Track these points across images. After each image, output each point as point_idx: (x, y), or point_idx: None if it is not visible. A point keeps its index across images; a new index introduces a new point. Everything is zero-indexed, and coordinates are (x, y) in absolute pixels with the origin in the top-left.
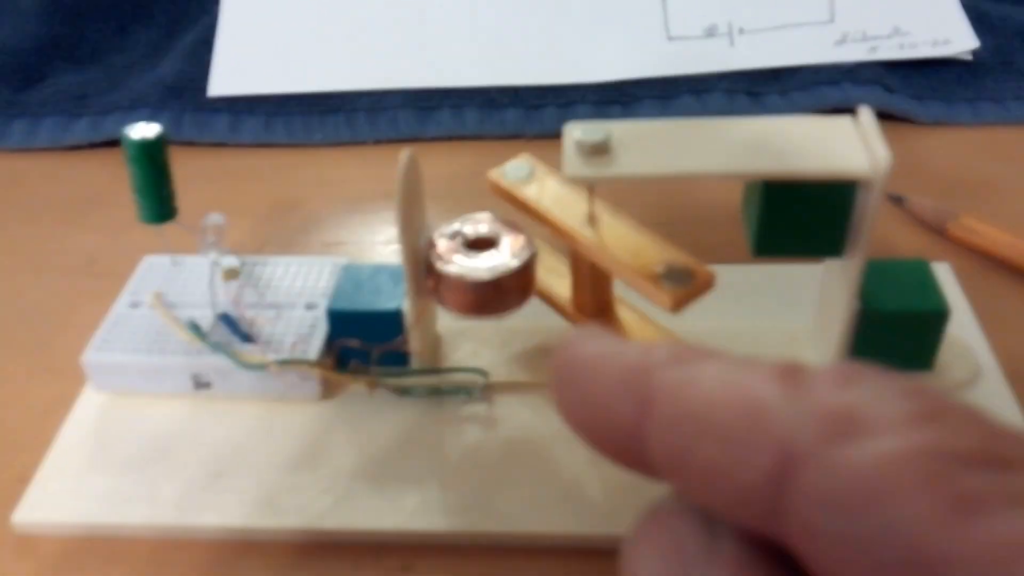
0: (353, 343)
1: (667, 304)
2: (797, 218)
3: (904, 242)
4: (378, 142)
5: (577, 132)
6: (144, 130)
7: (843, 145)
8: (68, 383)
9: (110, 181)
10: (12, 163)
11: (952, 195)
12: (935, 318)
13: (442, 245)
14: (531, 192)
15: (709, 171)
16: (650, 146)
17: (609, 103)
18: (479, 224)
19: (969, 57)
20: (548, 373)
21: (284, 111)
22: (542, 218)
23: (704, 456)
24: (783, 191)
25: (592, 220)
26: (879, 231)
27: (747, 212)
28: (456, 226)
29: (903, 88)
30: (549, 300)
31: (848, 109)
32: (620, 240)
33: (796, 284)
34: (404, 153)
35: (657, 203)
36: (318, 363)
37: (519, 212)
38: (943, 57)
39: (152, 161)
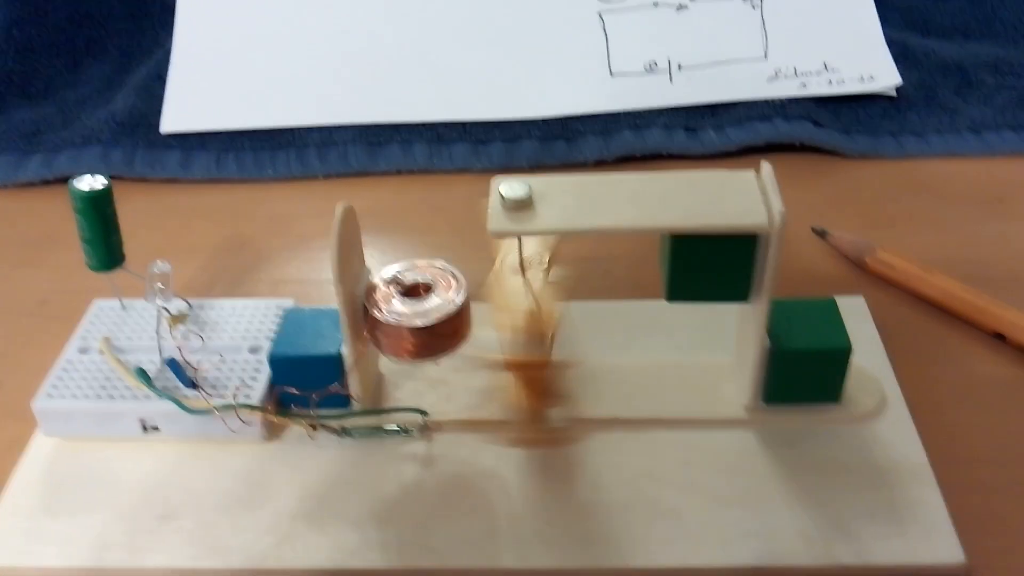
0: (292, 390)
1: None
2: (704, 268)
3: (827, 274)
4: (328, 176)
5: (502, 188)
6: (91, 182)
7: (744, 200)
8: (20, 426)
9: (62, 220)
10: None
11: (875, 226)
12: (839, 355)
13: (379, 292)
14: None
15: (621, 226)
16: (568, 201)
17: (553, 138)
18: (415, 271)
19: (893, 92)
20: None
21: (235, 147)
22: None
23: None
24: (689, 243)
25: (523, 268)
26: (803, 263)
27: (661, 261)
28: (394, 271)
29: (831, 122)
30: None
31: (780, 144)
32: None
33: (719, 320)
34: (339, 206)
35: (596, 239)
36: (260, 407)
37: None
38: (869, 92)
39: (99, 212)
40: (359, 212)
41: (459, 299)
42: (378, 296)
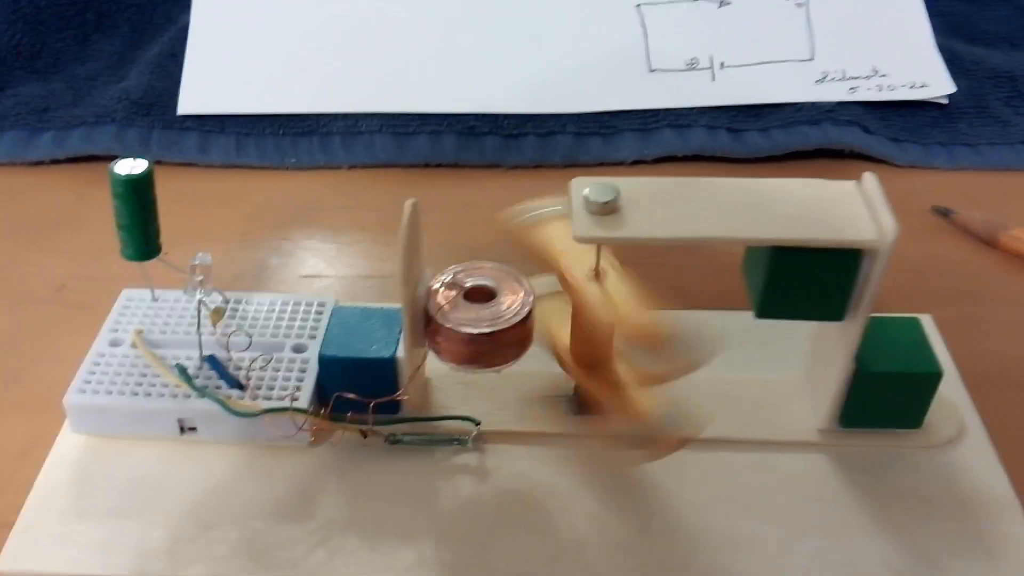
0: (350, 395)
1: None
2: (801, 284)
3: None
4: (353, 167)
5: (585, 190)
6: (131, 165)
7: (848, 212)
8: (44, 421)
9: (75, 201)
10: None
11: (931, 239)
12: (928, 379)
13: (441, 296)
14: (543, 237)
15: (718, 236)
16: (659, 207)
17: (589, 134)
18: (478, 273)
19: (945, 100)
20: None
21: (256, 131)
22: (550, 265)
23: None
24: (789, 257)
25: (598, 275)
26: (925, 244)
27: (750, 273)
28: (454, 274)
29: (881, 130)
30: (548, 344)
31: (828, 149)
32: (619, 301)
33: (787, 333)
34: (409, 203)
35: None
36: (315, 412)
37: (529, 254)
38: (921, 100)
39: (139, 198)
40: (384, 206)
41: (527, 305)
42: (440, 299)
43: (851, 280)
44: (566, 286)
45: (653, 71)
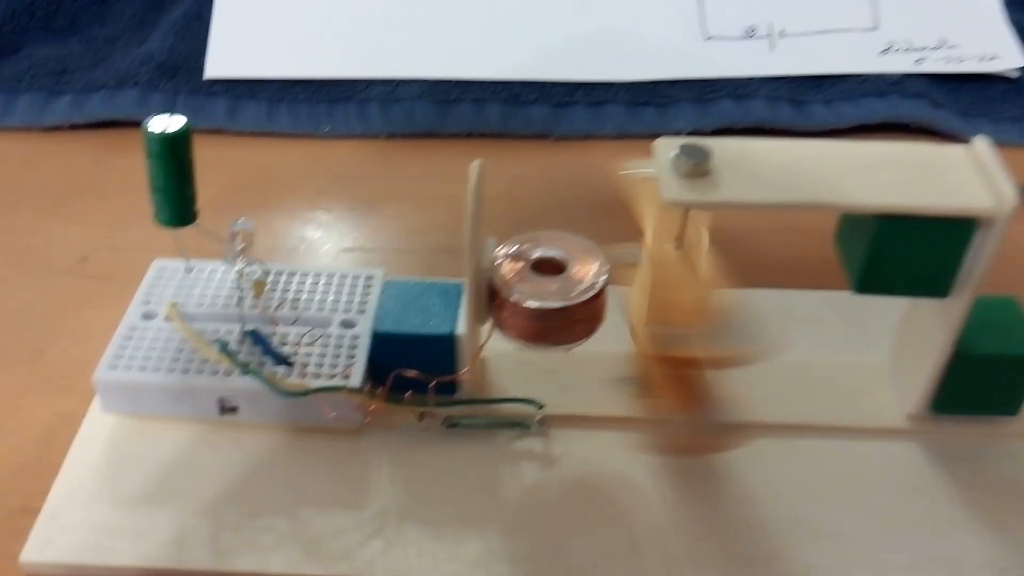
0: (411, 373)
1: None
2: (907, 257)
3: None
4: (391, 136)
5: (674, 150)
6: (166, 122)
7: (960, 178)
8: (69, 399)
9: (95, 168)
10: None
11: None
12: None
13: (506, 268)
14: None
15: (821, 201)
16: (754, 170)
17: (642, 104)
18: (546, 243)
19: (1016, 74)
20: None
21: (288, 97)
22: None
23: None
24: (896, 227)
25: (681, 244)
26: None
27: (847, 245)
28: (519, 245)
29: (949, 103)
30: (628, 319)
31: (892, 123)
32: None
33: (869, 312)
34: (475, 164)
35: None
36: (371, 392)
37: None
38: (990, 73)
39: (176, 158)
40: (425, 176)
41: (603, 278)
42: (506, 271)
43: (961, 253)
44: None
45: (709, 39)
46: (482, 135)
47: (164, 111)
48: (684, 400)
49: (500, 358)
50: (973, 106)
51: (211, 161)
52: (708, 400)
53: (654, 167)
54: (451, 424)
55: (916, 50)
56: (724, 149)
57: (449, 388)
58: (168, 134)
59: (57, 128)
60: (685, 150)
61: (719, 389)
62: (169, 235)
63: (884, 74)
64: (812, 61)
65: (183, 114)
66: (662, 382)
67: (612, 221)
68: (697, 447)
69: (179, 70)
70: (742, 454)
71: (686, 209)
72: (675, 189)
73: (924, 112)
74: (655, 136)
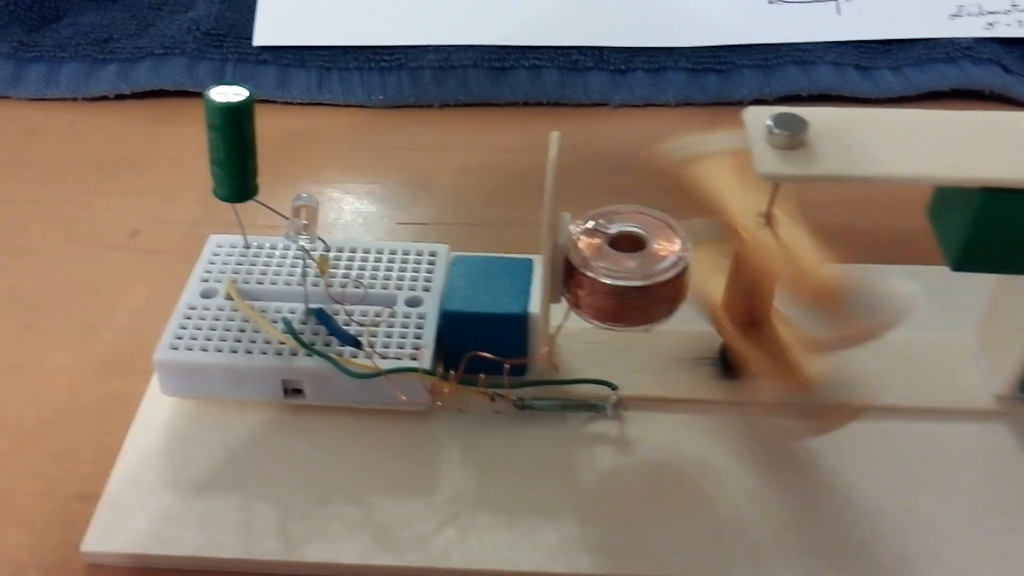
0: (487, 355)
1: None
2: (1012, 232)
3: None
4: (445, 105)
5: (768, 120)
6: (229, 92)
7: None
8: (124, 379)
9: (143, 138)
10: (27, 113)
11: None
12: None
13: (584, 243)
14: (702, 175)
15: (925, 175)
16: (852, 142)
17: (704, 71)
18: (623, 219)
19: None
20: None
21: (340, 66)
22: (711, 208)
23: None
24: (1002, 200)
25: (769, 221)
26: None
27: (944, 219)
28: (595, 220)
29: (1021, 69)
30: (701, 298)
31: (961, 90)
32: (796, 252)
33: (955, 288)
34: (554, 136)
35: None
36: (444, 374)
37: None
38: None
39: (238, 130)
40: (481, 146)
41: (685, 256)
42: (584, 247)
43: None
44: (731, 232)
45: (773, 2)
46: (538, 103)
47: (212, 80)
48: (765, 381)
49: (572, 338)
50: None
51: (260, 131)
52: (793, 383)
53: (745, 138)
54: (523, 406)
55: (987, 14)
56: (819, 119)
57: (520, 369)
58: (232, 104)
59: (103, 98)
60: (779, 120)
61: (808, 371)
62: (220, 208)
63: (954, 39)
64: (880, 25)
65: (231, 82)
66: (738, 362)
67: (674, 194)
68: (779, 430)
69: (227, 37)
70: (824, 438)
71: (776, 184)
72: (769, 162)
73: (996, 78)
74: (717, 104)
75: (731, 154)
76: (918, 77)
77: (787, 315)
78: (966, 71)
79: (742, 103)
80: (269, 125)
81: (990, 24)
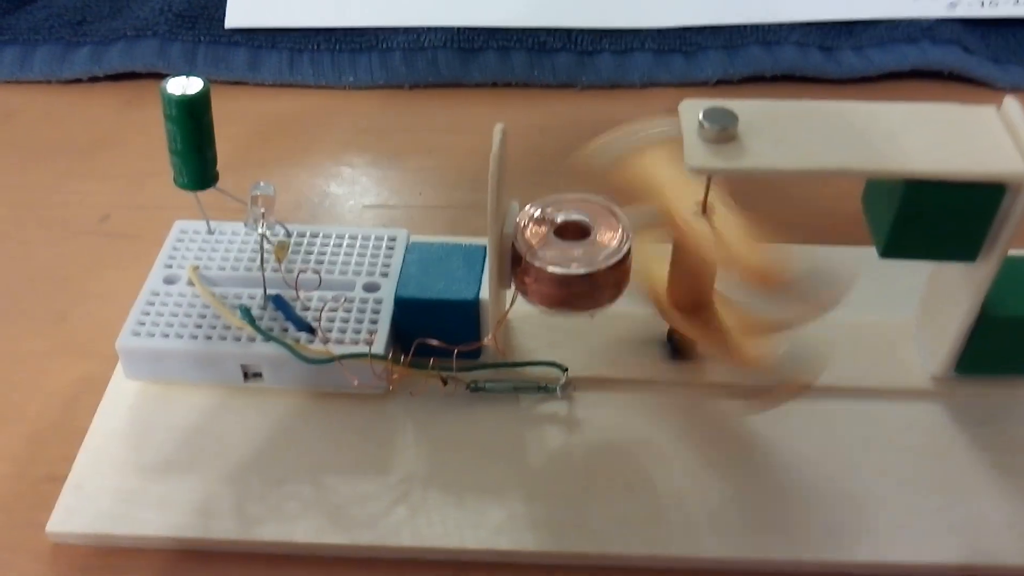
0: (435, 343)
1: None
2: (934, 221)
3: None
4: (415, 87)
5: (699, 114)
6: (184, 84)
7: (990, 142)
8: (93, 363)
9: (115, 121)
10: (2, 96)
11: None
12: None
13: (530, 232)
14: (639, 166)
15: (849, 168)
16: (781, 135)
17: (670, 51)
18: (569, 207)
19: None
20: None
21: (311, 47)
22: (649, 198)
23: None
24: (924, 192)
25: (705, 210)
26: None
27: (874, 208)
28: (543, 208)
29: (981, 50)
30: (643, 283)
31: (923, 71)
32: (733, 239)
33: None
34: (498, 128)
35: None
36: (395, 359)
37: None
38: (1022, 18)
39: (195, 120)
40: (450, 128)
41: (627, 243)
42: (530, 236)
43: (989, 218)
44: (669, 221)
45: None
46: (507, 84)
47: (184, 62)
48: (708, 362)
49: (523, 321)
50: (1005, 52)
51: (232, 113)
52: (737, 362)
53: (676, 130)
54: (475, 388)
55: None
56: (750, 112)
57: (473, 353)
58: (186, 96)
59: (77, 80)
60: (709, 114)
61: (752, 351)
62: (189, 194)
63: (916, 19)
64: (843, 6)
65: (203, 64)
66: (684, 344)
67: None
68: (720, 410)
69: (199, 19)
70: (764, 417)
71: (709, 176)
72: (699, 155)
73: (956, 58)
74: (683, 84)
75: (662, 144)
76: (879, 57)
77: (729, 297)
78: (926, 51)
79: (706, 83)
80: (240, 107)
81: (952, 4)
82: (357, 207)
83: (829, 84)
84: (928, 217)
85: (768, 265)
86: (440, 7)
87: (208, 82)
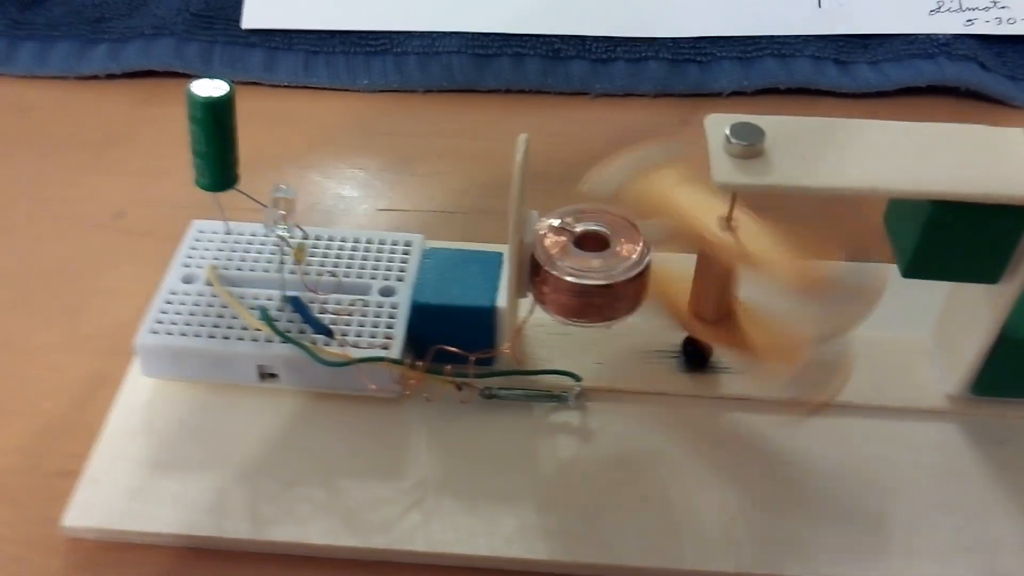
0: (452, 349)
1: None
2: (959, 243)
3: None
4: (428, 91)
5: (726, 129)
6: (211, 87)
7: (1017, 163)
8: (107, 359)
9: (131, 118)
10: (19, 91)
11: None
12: None
13: (550, 241)
14: (653, 186)
15: (877, 187)
16: (808, 152)
17: (684, 61)
18: (589, 218)
19: None
20: None
21: (326, 50)
22: (671, 216)
23: None
24: (951, 213)
25: (729, 225)
26: None
27: (897, 226)
28: (562, 218)
29: (997, 67)
30: (660, 296)
31: (939, 87)
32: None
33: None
34: (522, 138)
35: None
36: (412, 364)
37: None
38: None
39: (219, 123)
40: (462, 133)
41: (646, 256)
42: (549, 245)
43: (1015, 240)
44: (693, 236)
45: None
46: (520, 91)
47: (200, 61)
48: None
49: (539, 330)
50: (1022, 69)
51: (247, 114)
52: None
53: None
54: (489, 395)
55: (967, 10)
56: (776, 128)
57: (488, 359)
58: (212, 98)
59: (94, 77)
60: (736, 130)
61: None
62: (205, 191)
63: (933, 35)
64: (860, 20)
65: (219, 64)
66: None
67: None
68: (737, 423)
69: (216, 19)
70: (779, 432)
71: (734, 192)
72: (725, 171)
73: (972, 75)
74: (696, 95)
75: (669, 165)
76: (895, 72)
77: (758, 308)
78: (942, 67)
79: (720, 95)
80: (255, 107)
81: (969, 21)
82: (371, 210)
83: (844, 98)
84: (953, 238)
85: (811, 269)
86: (455, 12)
87: (233, 85)
